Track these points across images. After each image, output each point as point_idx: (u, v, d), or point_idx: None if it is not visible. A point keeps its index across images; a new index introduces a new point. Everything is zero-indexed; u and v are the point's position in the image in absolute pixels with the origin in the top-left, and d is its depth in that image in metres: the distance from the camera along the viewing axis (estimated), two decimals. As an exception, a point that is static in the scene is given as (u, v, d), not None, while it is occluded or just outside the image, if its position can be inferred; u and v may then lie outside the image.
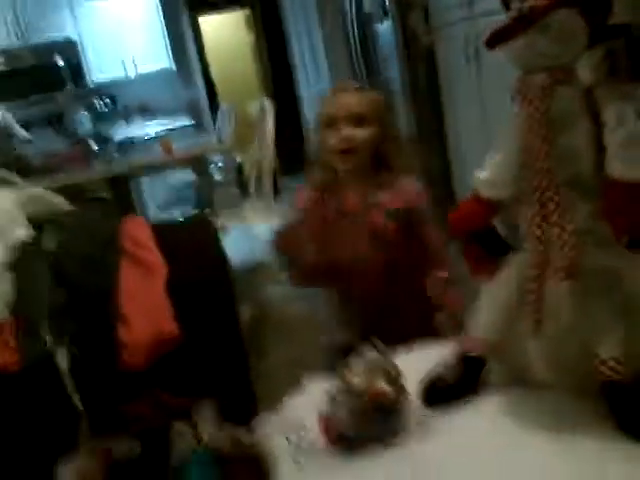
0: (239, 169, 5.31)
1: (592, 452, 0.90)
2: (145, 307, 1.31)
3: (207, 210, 3.84)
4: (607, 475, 0.85)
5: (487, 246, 1.08)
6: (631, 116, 0.92)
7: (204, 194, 3.82)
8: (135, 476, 1.06)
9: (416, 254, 1.52)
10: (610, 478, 0.85)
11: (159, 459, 1.07)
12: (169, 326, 1.30)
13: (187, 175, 4.59)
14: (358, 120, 1.47)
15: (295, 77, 6.13)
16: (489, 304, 1.08)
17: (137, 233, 1.42)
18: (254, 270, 4.52)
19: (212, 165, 5.04)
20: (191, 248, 1.39)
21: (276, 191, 6.95)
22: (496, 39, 0.96)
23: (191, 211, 4.22)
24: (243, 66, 8.55)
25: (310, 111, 6.01)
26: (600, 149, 0.93)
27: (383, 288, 1.51)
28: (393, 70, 4.23)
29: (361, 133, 1.46)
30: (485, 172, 1.05)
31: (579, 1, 0.92)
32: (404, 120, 4.25)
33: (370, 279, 1.52)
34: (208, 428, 1.12)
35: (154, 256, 1.37)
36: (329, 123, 1.49)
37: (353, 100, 1.49)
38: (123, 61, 6.01)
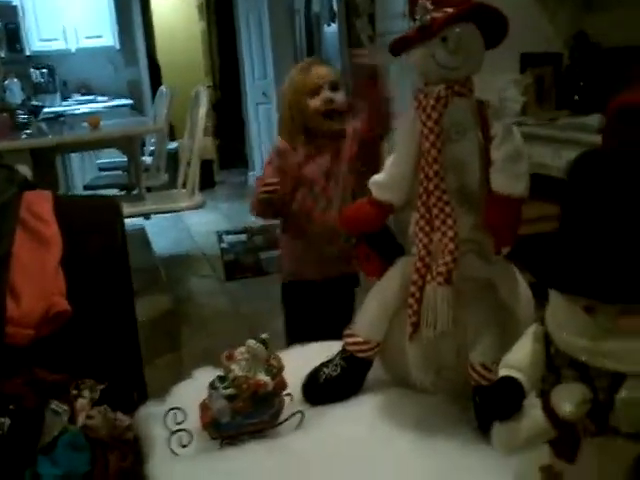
0: (175, 156, 5.23)
1: (451, 451, 0.94)
2: (37, 281, 1.27)
3: (134, 193, 3.77)
4: (458, 474, 0.89)
5: (379, 246, 1.10)
6: (517, 133, 0.96)
7: (132, 177, 3.74)
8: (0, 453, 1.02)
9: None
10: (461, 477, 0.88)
11: (28, 438, 1.04)
12: (60, 302, 1.26)
13: (118, 157, 4.50)
14: (334, 86, 1.75)
15: (241, 70, 6.08)
16: (375, 304, 1.10)
17: (38, 205, 1.37)
18: (177, 261, 4.48)
19: (145, 148, 4.95)
20: (92, 227, 1.36)
21: (213, 184, 6.90)
22: (399, 47, 0.98)
23: (118, 193, 4.13)
24: (192, 53, 8.42)
25: (252, 105, 5.98)
26: (487, 163, 0.96)
27: None
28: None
29: (339, 96, 1.75)
30: (381, 175, 1.07)
31: (476, 18, 0.95)
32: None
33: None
34: (84, 409, 1.10)
35: (51, 230, 1.33)
36: (312, 91, 1.73)
37: (327, 70, 1.79)
38: (65, 33, 5.83)
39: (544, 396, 0.73)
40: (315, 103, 1.73)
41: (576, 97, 2.90)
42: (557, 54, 3.12)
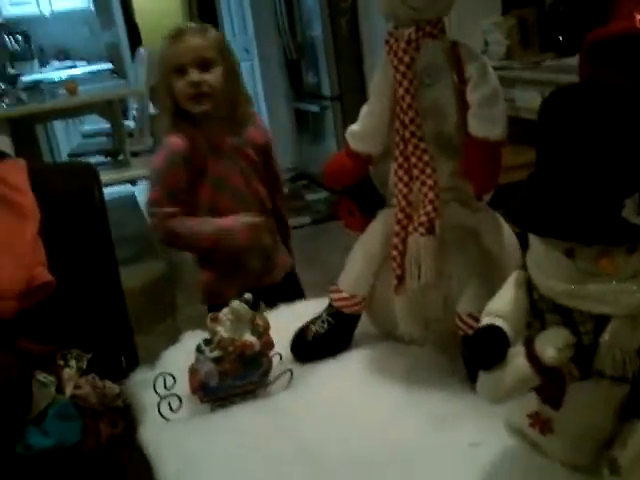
0: (159, 119, 5.13)
1: (441, 401, 0.94)
2: (17, 253, 1.25)
3: (119, 159, 3.72)
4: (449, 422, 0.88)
5: (360, 199, 1.08)
6: (492, 73, 0.93)
7: (116, 142, 3.68)
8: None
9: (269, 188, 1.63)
10: (455, 429, 0.88)
11: (16, 409, 1.03)
12: (43, 273, 1.25)
13: (102, 123, 4.42)
14: (204, 64, 1.46)
15: (221, 26, 5.94)
16: (359, 258, 1.09)
17: (11, 175, 1.34)
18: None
19: (129, 113, 4.87)
20: (68, 195, 1.33)
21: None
22: (367, -11, 0.94)
23: (104, 159, 4.07)
24: (170, 10, 8.22)
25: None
26: (464, 106, 0.93)
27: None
28: (316, 26, 4.16)
29: (209, 77, 1.46)
30: (356, 125, 1.04)
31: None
32: (326, 77, 4.21)
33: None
34: (72, 378, 1.10)
35: (28, 200, 1.30)
36: (178, 69, 1.46)
37: (197, 44, 1.46)
38: (36, -6, 5.68)
39: (528, 343, 0.72)
40: (180, 85, 1.45)
41: (560, 38, 2.84)
42: (539, -6, 3.04)
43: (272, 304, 1.38)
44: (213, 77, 1.46)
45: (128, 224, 3.89)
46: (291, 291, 1.59)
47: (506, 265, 1.03)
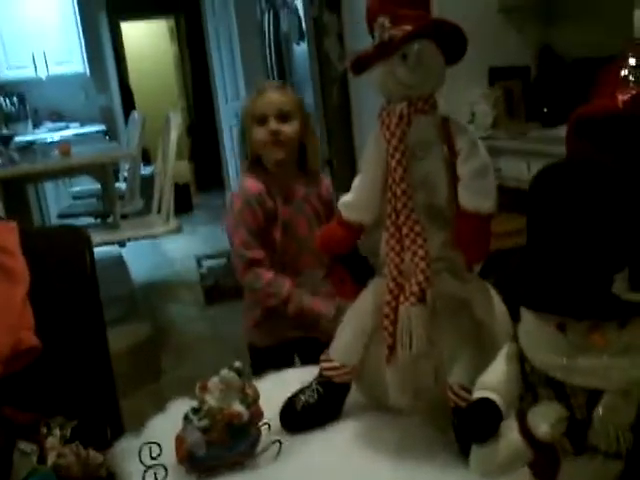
0: (151, 181, 5.19)
1: (430, 476, 0.92)
2: (3, 316, 1.24)
3: (109, 221, 3.73)
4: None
5: (352, 268, 1.09)
6: (482, 147, 0.95)
7: (106, 204, 3.70)
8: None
9: None
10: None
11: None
12: (29, 338, 1.23)
13: (92, 184, 4.45)
14: (283, 116, 1.62)
15: (214, 92, 6.08)
16: (350, 328, 1.09)
17: (2, 238, 1.33)
18: (156, 287, 4.42)
19: (120, 174, 4.92)
20: (59, 260, 1.33)
21: (190, 207, 6.86)
22: (360, 65, 0.98)
23: (93, 221, 4.09)
24: (164, 76, 8.42)
25: (226, 127, 5.97)
26: (454, 179, 0.96)
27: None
28: (307, 93, 4.27)
29: (287, 128, 1.62)
30: (349, 196, 1.06)
31: (434, 34, 0.94)
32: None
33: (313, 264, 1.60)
34: (55, 447, 1.07)
35: (18, 263, 1.29)
36: (259, 119, 1.62)
37: (278, 99, 1.64)
38: (34, 59, 5.78)
39: (521, 417, 0.71)
40: (260, 133, 1.61)
41: (545, 109, 2.93)
42: (525, 67, 3.16)
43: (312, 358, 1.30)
44: (290, 128, 1.62)
45: (114, 285, 3.86)
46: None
47: (497, 335, 1.03)
